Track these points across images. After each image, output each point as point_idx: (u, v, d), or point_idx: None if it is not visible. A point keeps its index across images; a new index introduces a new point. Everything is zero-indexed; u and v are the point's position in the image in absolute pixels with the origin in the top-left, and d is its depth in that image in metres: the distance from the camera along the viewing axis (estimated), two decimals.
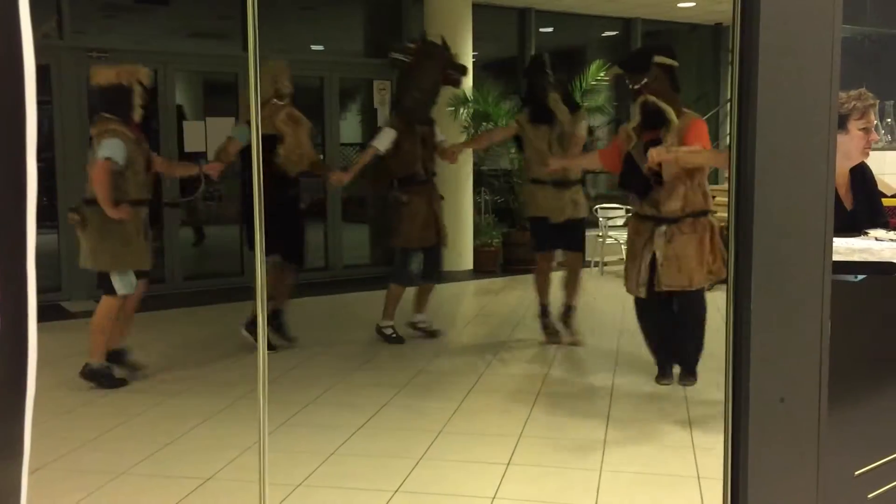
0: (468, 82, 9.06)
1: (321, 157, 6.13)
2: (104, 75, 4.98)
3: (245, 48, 2.09)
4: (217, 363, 5.54)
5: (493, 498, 3.41)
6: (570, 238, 5.88)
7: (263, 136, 5.44)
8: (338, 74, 9.16)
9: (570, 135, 5.82)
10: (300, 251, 5.96)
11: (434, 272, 6.16)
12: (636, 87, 4.84)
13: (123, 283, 4.96)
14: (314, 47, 9.75)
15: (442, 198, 6.23)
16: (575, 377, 5.29)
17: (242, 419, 4.33)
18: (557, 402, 4.75)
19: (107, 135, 4.87)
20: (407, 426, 4.30)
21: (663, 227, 4.68)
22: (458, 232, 8.95)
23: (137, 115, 4.97)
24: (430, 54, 6.05)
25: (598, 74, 9.38)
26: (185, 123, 8.44)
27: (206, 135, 8.36)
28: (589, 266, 9.60)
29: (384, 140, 5.92)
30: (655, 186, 4.66)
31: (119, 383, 5.03)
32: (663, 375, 4.96)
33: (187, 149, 8.35)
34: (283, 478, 3.56)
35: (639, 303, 4.93)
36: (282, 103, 5.69)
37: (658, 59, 4.77)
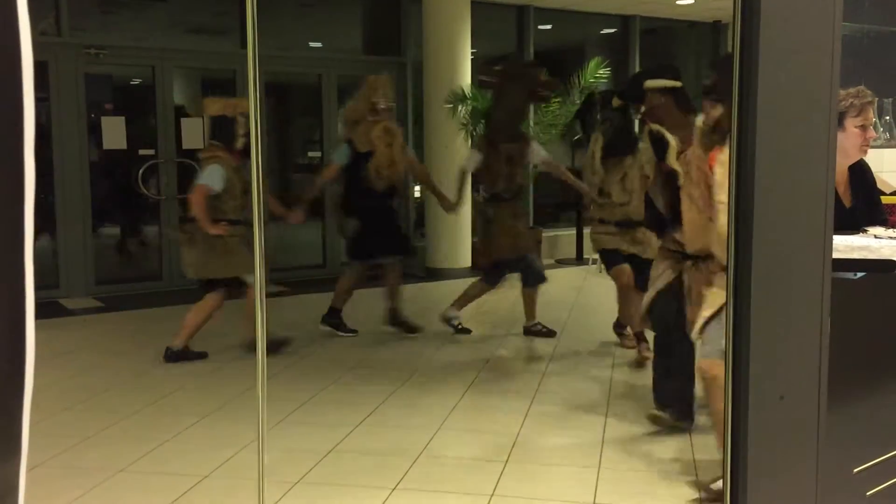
0: (466, 80, 9.05)
1: (415, 165, 6.48)
2: (213, 107, 5.59)
3: (244, 45, 2.08)
4: (215, 360, 5.53)
5: (492, 495, 3.41)
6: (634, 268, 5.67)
7: (362, 154, 5.84)
8: (336, 72, 9.15)
9: (635, 175, 5.47)
10: (401, 250, 6.41)
11: (534, 279, 6.24)
12: (641, 117, 4.48)
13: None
14: (312, 44, 9.74)
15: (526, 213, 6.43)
16: (573, 373, 5.28)
17: (240, 417, 4.33)
18: (556, 399, 4.75)
19: (210, 161, 5.46)
20: (405, 423, 4.30)
21: (689, 262, 3.96)
22: (457, 229, 8.95)
23: (239, 143, 5.49)
24: (516, 76, 6.12)
25: (596, 72, 9.38)
26: (182, 120, 8.43)
27: (203, 132, 8.34)
28: (587, 263, 9.62)
29: (471, 162, 6.19)
30: (674, 224, 4.13)
31: (200, 356, 5.59)
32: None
33: (185, 146, 8.35)
34: (281, 475, 3.56)
35: (656, 340, 4.37)
36: (378, 119, 5.90)
37: (650, 84, 4.26)
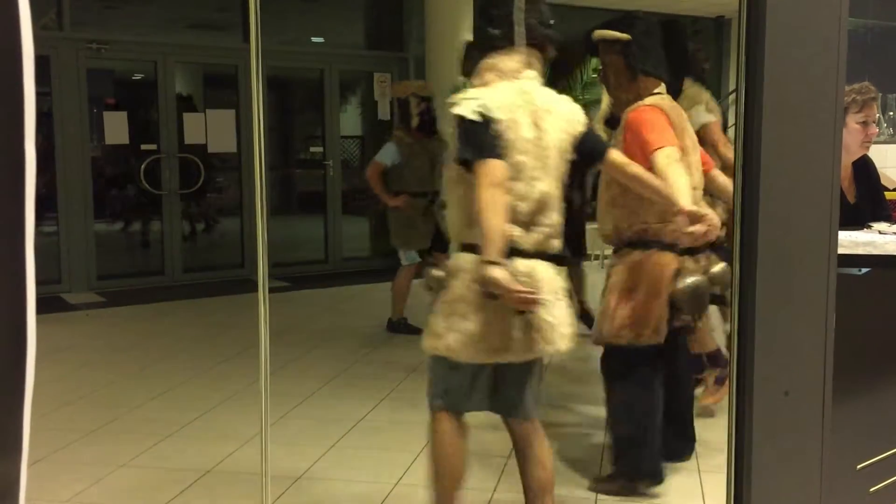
0: None
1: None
2: (395, 90, 6.27)
3: (246, 39, 2.08)
4: (217, 355, 5.53)
5: (494, 490, 3.41)
6: None
7: None
8: (338, 67, 9.14)
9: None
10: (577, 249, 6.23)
11: None
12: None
13: (406, 257, 6.05)
14: (315, 39, 9.73)
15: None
16: (573, 368, 5.27)
17: (242, 411, 4.32)
18: (555, 394, 4.74)
19: (389, 140, 6.10)
20: (407, 419, 4.30)
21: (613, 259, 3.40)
22: None
23: (414, 122, 5.98)
24: None
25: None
26: (185, 115, 8.42)
27: (206, 127, 8.35)
28: (590, 259, 9.60)
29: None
30: (589, 201, 3.65)
31: (416, 331, 5.68)
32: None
33: (187, 140, 8.34)
34: (284, 470, 3.56)
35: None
36: None
37: (597, 34, 3.62)
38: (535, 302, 2.43)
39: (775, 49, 1.67)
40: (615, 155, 2.88)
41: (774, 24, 1.66)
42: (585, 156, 2.73)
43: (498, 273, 2.37)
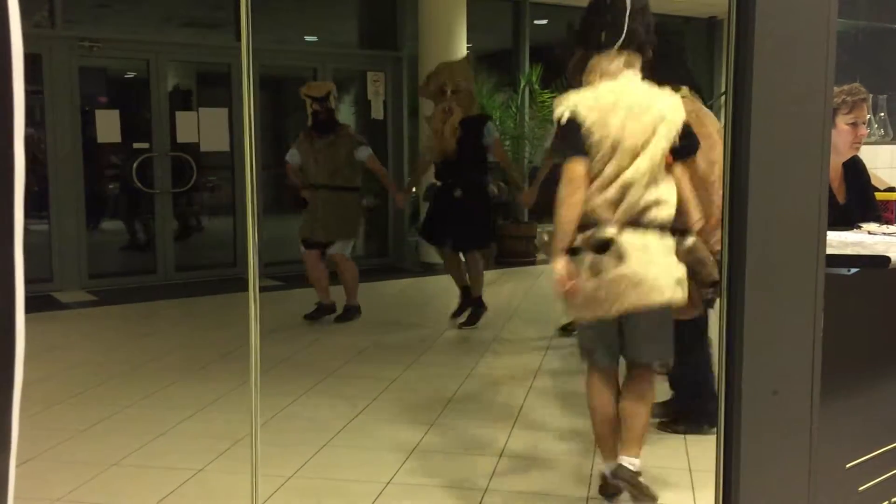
0: None
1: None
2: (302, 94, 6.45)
3: (239, 38, 2.08)
4: (208, 354, 5.53)
5: (486, 490, 3.41)
6: None
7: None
8: (331, 65, 9.13)
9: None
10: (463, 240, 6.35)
11: None
12: None
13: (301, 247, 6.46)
14: (308, 38, 9.72)
15: None
16: (568, 368, 5.29)
17: (234, 410, 4.32)
18: (550, 394, 4.75)
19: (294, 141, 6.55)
20: (399, 418, 4.30)
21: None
22: None
23: (309, 120, 6.31)
24: None
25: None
26: (177, 114, 8.40)
27: (198, 125, 8.33)
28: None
29: None
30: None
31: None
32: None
33: (180, 139, 8.33)
34: (275, 469, 3.55)
35: None
36: (445, 99, 6.13)
37: None
38: (572, 293, 2.85)
39: (764, 50, 1.68)
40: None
41: (764, 24, 1.67)
42: (678, 147, 2.98)
43: (557, 266, 2.82)
